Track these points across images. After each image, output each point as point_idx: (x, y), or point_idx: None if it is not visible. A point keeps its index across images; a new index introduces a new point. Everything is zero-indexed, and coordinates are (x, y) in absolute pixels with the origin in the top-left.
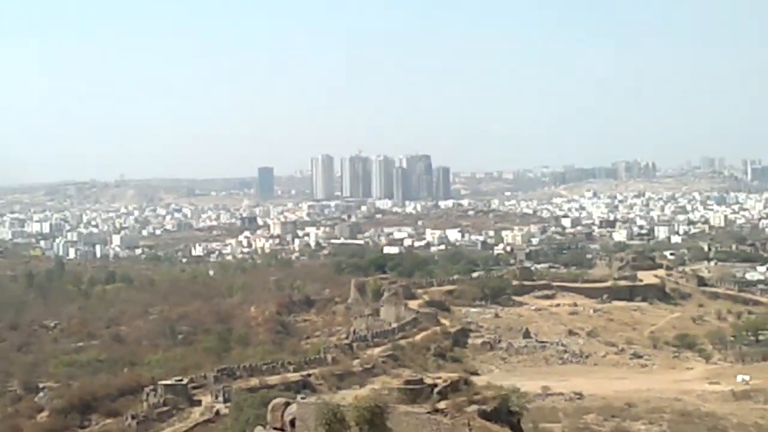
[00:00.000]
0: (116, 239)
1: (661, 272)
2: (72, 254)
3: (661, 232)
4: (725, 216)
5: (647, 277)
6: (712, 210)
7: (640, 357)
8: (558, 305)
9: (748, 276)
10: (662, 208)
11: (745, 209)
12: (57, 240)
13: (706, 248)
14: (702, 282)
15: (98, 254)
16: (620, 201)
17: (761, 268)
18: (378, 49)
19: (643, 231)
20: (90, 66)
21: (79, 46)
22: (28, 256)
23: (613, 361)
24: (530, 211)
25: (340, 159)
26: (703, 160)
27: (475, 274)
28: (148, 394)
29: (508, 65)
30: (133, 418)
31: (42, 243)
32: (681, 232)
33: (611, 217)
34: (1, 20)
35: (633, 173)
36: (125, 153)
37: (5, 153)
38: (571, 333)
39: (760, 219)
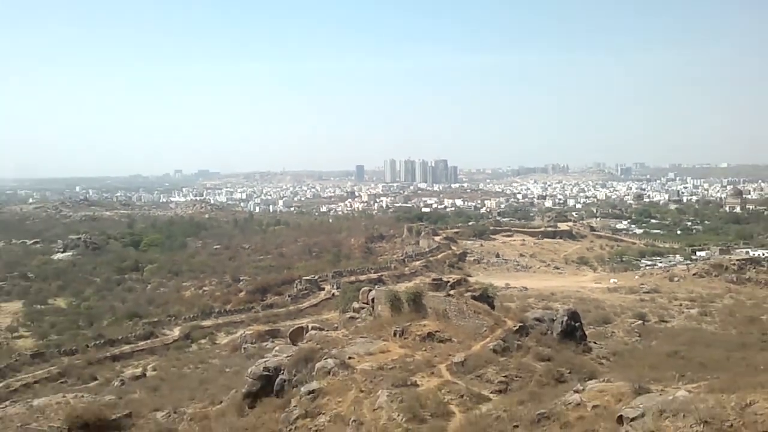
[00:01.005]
0: (280, 203)
1: (570, 223)
2: (257, 210)
3: (570, 202)
4: (605, 194)
5: (562, 226)
6: (598, 191)
7: (558, 269)
8: (514, 240)
9: (617, 226)
10: (571, 189)
11: (616, 191)
12: (249, 203)
13: (594, 210)
14: (592, 229)
15: (271, 210)
16: (548, 185)
17: (624, 222)
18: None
19: (560, 201)
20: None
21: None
22: (234, 211)
23: (544, 270)
24: (500, 190)
25: (398, 161)
26: (594, 163)
27: (470, 223)
28: (296, 284)
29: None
30: (288, 296)
31: (242, 204)
32: (581, 202)
33: (544, 194)
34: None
35: (556, 170)
36: (285, 153)
37: (223, 151)
38: (521, 255)
39: (623, 196)
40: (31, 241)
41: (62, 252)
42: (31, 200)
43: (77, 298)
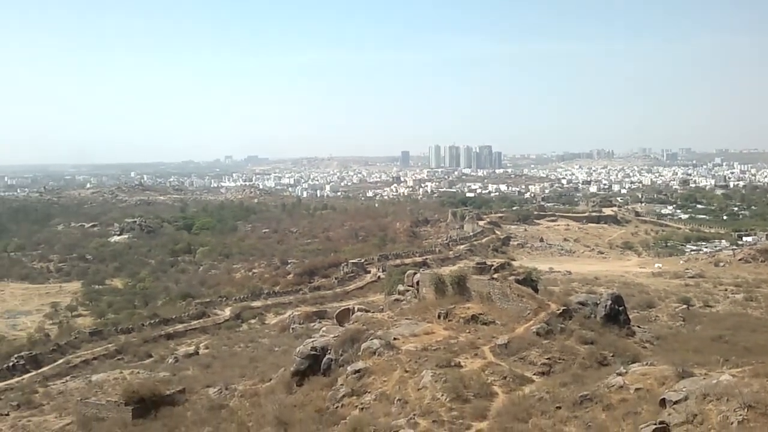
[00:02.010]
0: (327, 188)
1: (615, 209)
2: (304, 194)
3: (615, 187)
4: (651, 180)
5: (607, 211)
6: (643, 176)
7: (602, 253)
8: (558, 225)
9: (663, 211)
10: (616, 175)
11: (662, 176)
12: (297, 188)
13: (639, 195)
14: (637, 214)
15: (318, 195)
16: (593, 171)
17: (669, 207)
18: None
19: (605, 186)
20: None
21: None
22: (282, 196)
23: (588, 255)
24: (544, 176)
25: (443, 147)
26: (640, 149)
27: (514, 208)
28: (343, 267)
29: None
30: (335, 278)
31: (289, 189)
32: (626, 188)
33: (588, 179)
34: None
35: (601, 155)
36: (332, 139)
37: (272, 138)
38: (565, 240)
39: (669, 181)
40: (89, 225)
41: (118, 235)
42: (88, 185)
43: (133, 278)
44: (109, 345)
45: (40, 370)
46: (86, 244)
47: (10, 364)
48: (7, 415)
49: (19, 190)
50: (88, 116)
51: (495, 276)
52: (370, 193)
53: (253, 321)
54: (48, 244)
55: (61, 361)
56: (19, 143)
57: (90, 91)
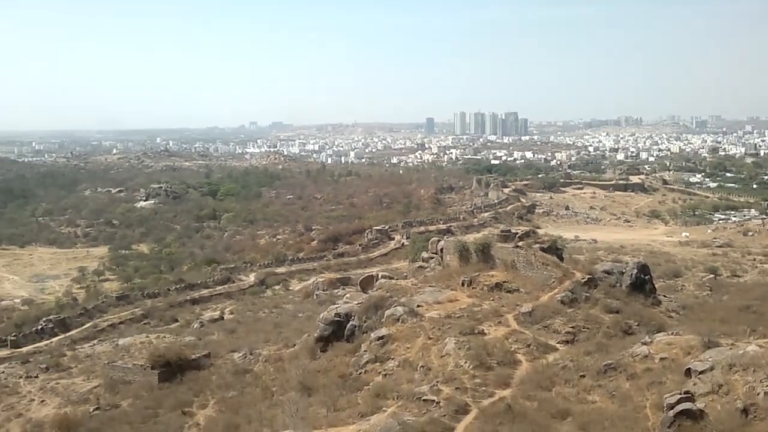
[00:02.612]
0: (351, 154)
1: (642, 176)
2: (329, 161)
3: (643, 155)
4: (679, 147)
5: (634, 179)
6: (672, 144)
7: (629, 221)
8: (584, 193)
9: (691, 179)
10: (644, 142)
11: (690, 144)
12: (321, 154)
13: (667, 163)
14: (665, 182)
15: (342, 161)
16: (621, 138)
17: (698, 176)
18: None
19: (633, 154)
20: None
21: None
22: (307, 162)
23: (614, 223)
24: (571, 143)
25: (468, 113)
26: (668, 116)
27: (539, 176)
28: (367, 234)
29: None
30: (359, 245)
31: (314, 155)
32: (654, 155)
33: (615, 147)
34: None
35: (629, 123)
36: (356, 105)
37: (296, 104)
38: (591, 208)
39: (698, 149)
40: (116, 190)
41: (144, 200)
42: (114, 151)
43: (159, 244)
44: (136, 309)
45: (68, 334)
46: (113, 210)
47: (39, 327)
48: (36, 377)
49: (46, 156)
50: (114, 82)
51: (520, 244)
52: (394, 160)
53: (277, 287)
54: (75, 209)
55: (88, 324)
56: (46, 109)
57: (116, 57)
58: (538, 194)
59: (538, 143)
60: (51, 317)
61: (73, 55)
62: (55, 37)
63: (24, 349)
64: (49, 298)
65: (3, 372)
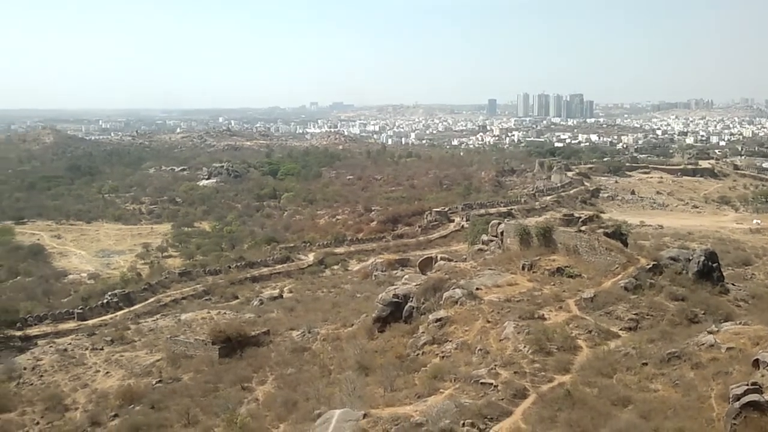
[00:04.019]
0: (412, 135)
1: (712, 161)
2: (389, 142)
3: (713, 139)
4: (752, 131)
5: (703, 164)
6: (744, 128)
7: (697, 208)
8: (651, 178)
9: (764, 165)
10: (715, 126)
11: (764, 128)
12: (382, 135)
13: (739, 148)
14: (736, 167)
15: (403, 143)
16: (691, 121)
17: None
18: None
19: (703, 138)
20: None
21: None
22: (367, 143)
23: (681, 209)
24: (638, 126)
25: (532, 95)
26: (741, 99)
27: (604, 159)
28: (426, 215)
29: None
30: (418, 227)
31: (374, 136)
32: (725, 140)
33: (685, 130)
34: None
35: (699, 106)
36: (418, 86)
37: (357, 85)
38: (658, 193)
39: None
40: (179, 168)
41: (207, 179)
42: (178, 130)
43: (220, 222)
44: (197, 286)
45: (132, 308)
46: (176, 188)
47: (105, 301)
48: (102, 349)
49: (112, 134)
50: (178, 63)
51: (583, 228)
52: (455, 142)
53: (336, 267)
54: (140, 186)
55: (151, 299)
56: (113, 89)
57: (181, 38)
58: (602, 178)
59: (604, 126)
60: (116, 291)
61: (140, 36)
62: (122, 19)
63: (90, 322)
64: (114, 273)
65: (70, 343)
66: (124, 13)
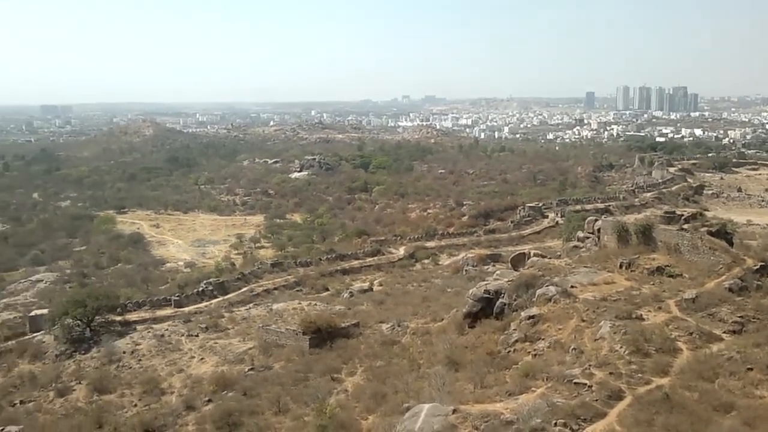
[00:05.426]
0: (505, 129)
1: None
2: (482, 136)
3: None
4: None
5: None
6: None
7: None
8: (760, 174)
9: None
10: None
11: None
12: (474, 129)
13: None
14: None
15: (496, 137)
16: None
17: None
18: None
19: None
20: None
21: None
22: (459, 136)
23: None
24: (746, 120)
25: (632, 87)
26: None
27: (709, 155)
28: (519, 210)
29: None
30: (511, 222)
31: (467, 130)
32: None
33: None
34: None
35: None
36: (512, 79)
37: (450, 78)
38: (766, 190)
39: None
40: (272, 161)
41: (299, 171)
42: (271, 123)
43: (311, 214)
44: (289, 277)
45: (226, 297)
46: (269, 180)
47: (200, 289)
48: (197, 336)
49: (209, 127)
50: (271, 57)
51: (685, 226)
52: (550, 136)
53: (426, 261)
54: (234, 178)
55: (245, 289)
56: (209, 83)
57: (272, 34)
58: (707, 174)
59: (709, 120)
60: (211, 280)
61: (237, 33)
62: (219, 20)
63: (186, 309)
64: (209, 262)
65: (167, 329)
66: (224, 11)
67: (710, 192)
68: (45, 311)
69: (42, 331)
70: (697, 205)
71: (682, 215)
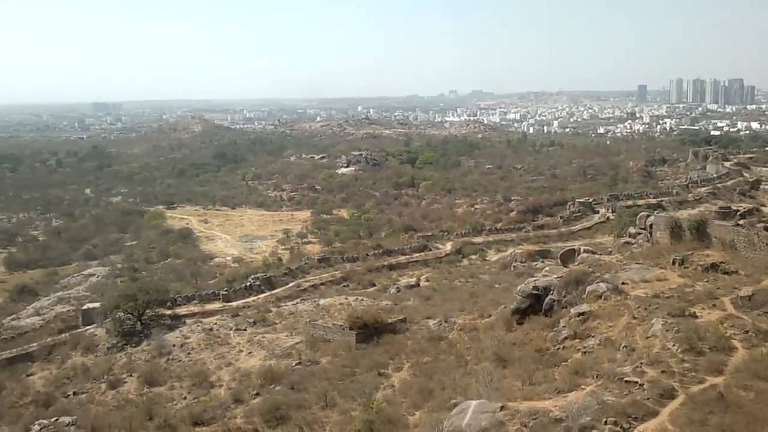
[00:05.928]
0: (555, 123)
1: None
2: (531, 130)
3: None
4: None
5: None
6: None
7: None
8: None
9: None
10: None
11: None
12: (523, 123)
13: None
14: None
15: (545, 131)
16: None
17: None
18: None
19: None
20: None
21: None
22: (507, 131)
23: None
24: None
25: (686, 80)
26: None
27: (766, 148)
28: (569, 206)
29: None
30: (560, 217)
31: (515, 124)
32: None
33: None
34: None
35: None
36: (561, 72)
37: (498, 72)
38: None
39: None
40: (319, 156)
41: (345, 167)
42: (318, 119)
43: (358, 209)
44: (335, 272)
45: (273, 291)
46: (315, 175)
47: (248, 284)
48: (245, 330)
49: (256, 123)
50: (318, 54)
51: (741, 222)
52: (601, 130)
53: (473, 257)
54: (281, 174)
55: (292, 284)
56: (257, 79)
57: (320, 31)
58: (764, 169)
59: (766, 113)
60: (258, 275)
61: (284, 30)
62: (264, 15)
63: (234, 304)
64: (257, 257)
65: (216, 323)
66: (268, 12)
67: (767, 187)
68: (97, 305)
69: (94, 325)
70: (754, 201)
71: (738, 211)
